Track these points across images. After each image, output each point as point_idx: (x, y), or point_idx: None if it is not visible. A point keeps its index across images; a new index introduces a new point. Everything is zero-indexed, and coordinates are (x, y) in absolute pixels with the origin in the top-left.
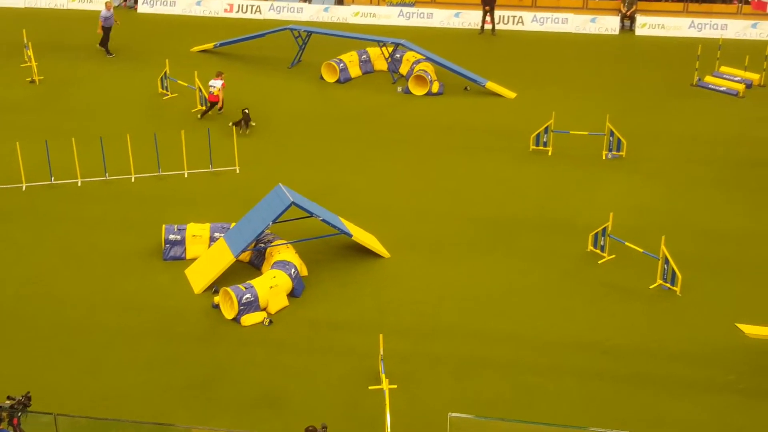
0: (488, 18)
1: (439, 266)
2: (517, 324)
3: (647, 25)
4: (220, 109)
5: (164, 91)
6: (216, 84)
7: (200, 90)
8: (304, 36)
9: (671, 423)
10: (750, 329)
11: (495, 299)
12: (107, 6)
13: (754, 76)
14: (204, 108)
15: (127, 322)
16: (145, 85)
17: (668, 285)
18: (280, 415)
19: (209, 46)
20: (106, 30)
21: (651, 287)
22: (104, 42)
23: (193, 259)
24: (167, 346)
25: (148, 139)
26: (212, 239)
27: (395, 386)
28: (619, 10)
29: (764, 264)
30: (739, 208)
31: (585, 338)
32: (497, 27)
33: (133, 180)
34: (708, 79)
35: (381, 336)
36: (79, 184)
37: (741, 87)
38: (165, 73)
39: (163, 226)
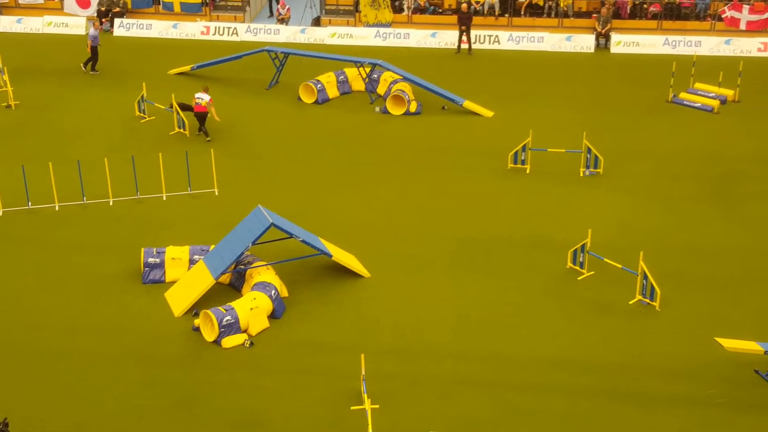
0: (464, 38)
1: (420, 285)
2: (498, 342)
3: (622, 43)
4: (204, 133)
5: (141, 114)
6: (203, 97)
7: (178, 113)
8: (281, 57)
9: None
10: (729, 343)
11: (475, 317)
12: (95, 25)
13: (728, 92)
14: (195, 128)
15: (106, 347)
16: (122, 109)
17: (647, 300)
18: None
19: (186, 68)
20: (93, 49)
21: (630, 303)
22: (90, 61)
23: (173, 282)
24: (147, 369)
25: (125, 163)
26: (192, 262)
27: (377, 406)
28: (594, 29)
29: (741, 278)
30: (716, 224)
31: (566, 355)
32: (474, 46)
33: (111, 204)
34: (683, 95)
35: (362, 356)
36: (57, 209)
37: (716, 103)
38: (142, 96)
39: (142, 249)
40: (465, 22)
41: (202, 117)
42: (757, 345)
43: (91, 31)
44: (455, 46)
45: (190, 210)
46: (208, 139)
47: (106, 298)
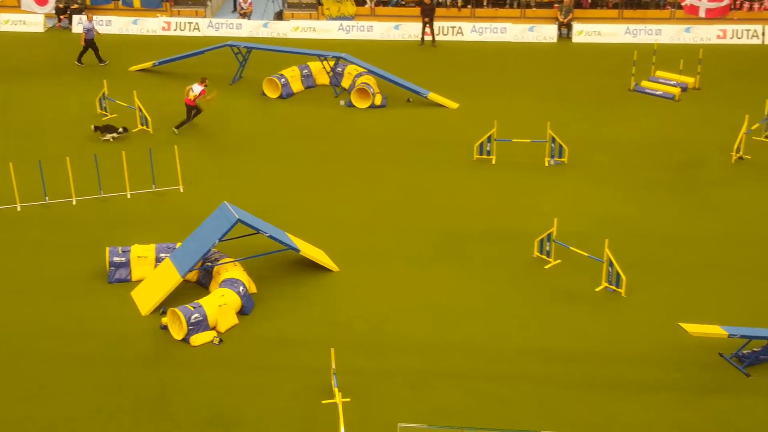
0: (428, 29)
1: (389, 278)
2: (468, 332)
3: (584, 33)
4: (188, 121)
5: (103, 112)
6: (195, 89)
7: (140, 110)
8: (244, 52)
9: (622, 423)
10: (693, 328)
11: (445, 309)
12: (89, 18)
13: (689, 80)
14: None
15: (73, 348)
16: (84, 106)
17: (613, 287)
18: None
19: (148, 65)
20: (89, 41)
21: (597, 290)
22: (87, 53)
23: (139, 281)
24: (115, 370)
25: (88, 161)
26: (158, 260)
27: (348, 400)
28: (556, 19)
29: (704, 263)
30: (679, 210)
31: (535, 344)
32: (437, 38)
33: (74, 203)
34: (644, 83)
35: (333, 350)
36: (19, 209)
37: (677, 90)
38: (103, 93)
39: (107, 248)
40: (428, 14)
41: (189, 110)
42: (720, 329)
43: (85, 23)
44: (419, 38)
45: (155, 208)
46: (175, 130)
47: (71, 299)
